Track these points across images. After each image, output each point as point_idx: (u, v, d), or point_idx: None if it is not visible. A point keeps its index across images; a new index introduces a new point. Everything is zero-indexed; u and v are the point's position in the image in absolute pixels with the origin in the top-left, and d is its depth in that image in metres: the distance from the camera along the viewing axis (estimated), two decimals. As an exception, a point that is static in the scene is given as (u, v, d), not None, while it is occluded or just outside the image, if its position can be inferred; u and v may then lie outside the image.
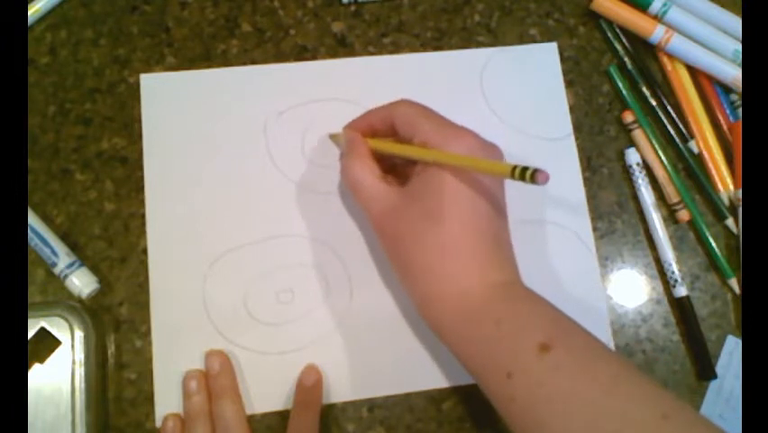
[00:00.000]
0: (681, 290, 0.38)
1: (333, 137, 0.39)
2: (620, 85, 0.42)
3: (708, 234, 0.40)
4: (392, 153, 0.34)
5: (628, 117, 0.41)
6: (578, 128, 0.41)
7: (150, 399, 0.35)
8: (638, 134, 0.41)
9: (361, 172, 0.33)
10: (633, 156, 0.40)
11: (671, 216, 0.41)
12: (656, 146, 0.41)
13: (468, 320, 0.30)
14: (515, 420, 0.28)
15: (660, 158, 0.41)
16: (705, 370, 0.38)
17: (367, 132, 0.35)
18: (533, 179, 0.26)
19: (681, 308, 0.39)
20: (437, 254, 0.30)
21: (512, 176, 0.27)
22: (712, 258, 0.40)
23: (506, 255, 0.32)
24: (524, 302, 0.30)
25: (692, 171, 0.41)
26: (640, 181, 0.40)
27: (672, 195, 0.40)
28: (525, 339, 0.28)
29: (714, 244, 0.40)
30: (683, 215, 0.40)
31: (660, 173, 0.40)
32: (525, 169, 0.27)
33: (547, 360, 0.27)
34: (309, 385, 0.35)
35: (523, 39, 0.43)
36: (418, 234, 0.30)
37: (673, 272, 0.39)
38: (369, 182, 0.33)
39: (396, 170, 0.35)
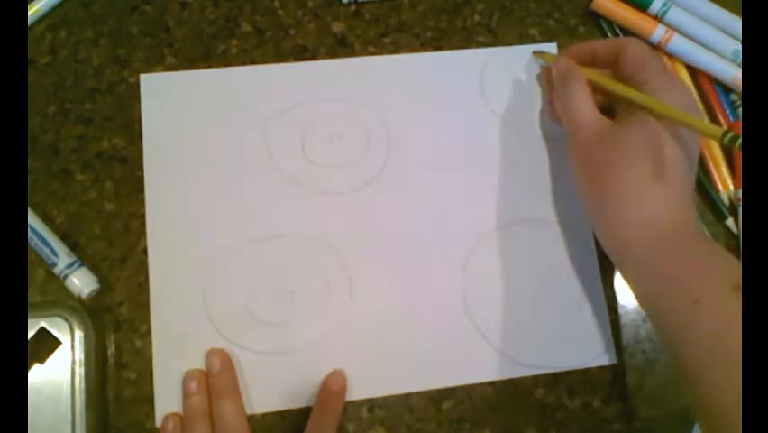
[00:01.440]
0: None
1: (537, 54, 0.42)
2: None
3: (707, 234, 0.40)
4: (608, 89, 0.35)
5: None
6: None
7: (150, 399, 0.35)
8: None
9: (579, 98, 0.35)
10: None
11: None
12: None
13: (659, 248, 0.31)
14: (696, 348, 0.28)
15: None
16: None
17: (585, 60, 0.37)
18: (738, 148, 0.29)
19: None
20: (641, 184, 0.32)
21: (721, 141, 0.29)
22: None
23: (693, 202, 0.33)
24: (714, 245, 0.32)
25: (692, 171, 0.41)
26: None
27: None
28: (718, 274, 0.29)
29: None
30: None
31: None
32: (734, 137, 0.29)
33: (738, 300, 0.27)
34: (334, 390, 0.35)
35: (523, 39, 0.43)
36: (629, 162, 0.32)
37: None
38: (585, 108, 0.35)
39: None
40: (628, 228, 0.32)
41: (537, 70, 0.42)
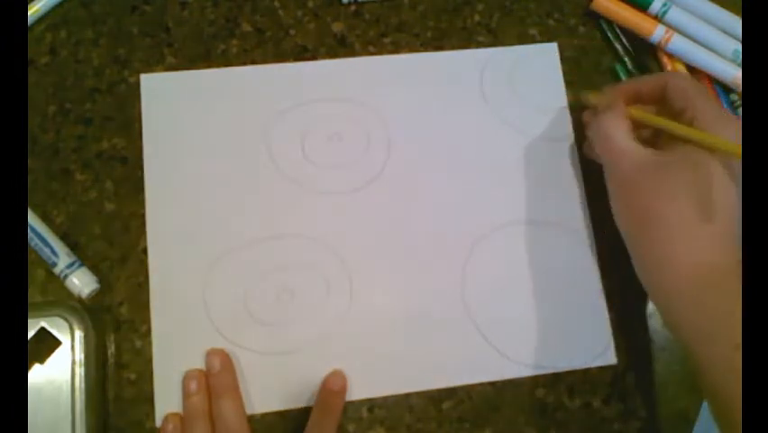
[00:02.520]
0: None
1: (582, 95, 0.39)
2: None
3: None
4: (655, 125, 0.34)
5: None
6: (578, 128, 0.41)
7: (150, 399, 0.35)
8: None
9: (615, 128, 0.33)
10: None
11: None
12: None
13: (702, 289, 0.30)
14: (733, 392, 0.28)
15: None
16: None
17: (630, 97, 0.36)
18: None
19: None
20: (687, 222, 0.30)
21: None
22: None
23: (740, 240, 0.32)
24: None
25: (692, 171, 0.41)
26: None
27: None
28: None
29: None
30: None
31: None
32: None
33: None
34: (334, 390, 0.35)
35: (523, 39, 0.43)
36: (676, 199, 0.31)
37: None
38: (622, 138, 0.33)
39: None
40: (670, 267, 0.31)
41: (537, 70, 0.42)
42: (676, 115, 0.33)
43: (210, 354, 0.35)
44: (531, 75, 0.42)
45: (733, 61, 0.41)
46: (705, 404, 0.38)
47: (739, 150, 0.30)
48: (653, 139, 0.36)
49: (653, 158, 0.32)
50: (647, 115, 0.35)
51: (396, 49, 0.42)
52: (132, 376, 0.35)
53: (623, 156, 0.33)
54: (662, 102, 0.35)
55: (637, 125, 0.35)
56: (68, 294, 0.35)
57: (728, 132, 0.31)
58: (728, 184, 0.31)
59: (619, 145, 0.33)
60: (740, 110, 0.42)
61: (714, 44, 0.41)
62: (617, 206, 0.34)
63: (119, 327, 0.36)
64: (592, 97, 0.38)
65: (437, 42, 0.42)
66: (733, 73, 0.41)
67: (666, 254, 0.31)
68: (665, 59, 0.42)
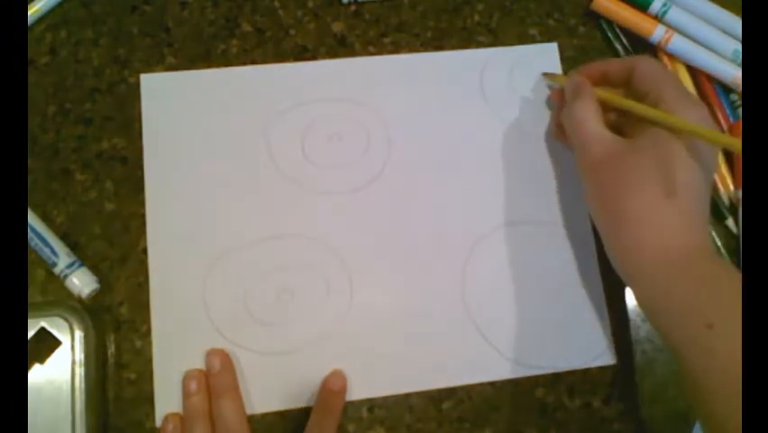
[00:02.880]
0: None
1: (547, 75, 0.41)
2: None
3: (711, 230, 0.40)
4: (621, 106, 0.35)
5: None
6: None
7: (150, 399, 0.35)
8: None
9: (587, 113, 0.34)
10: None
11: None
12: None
13: (672, 272, 0.30)
14: (711, 375, 0.28)
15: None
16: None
17: (597, 79, 0.37)
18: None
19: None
20: (656, 206, 0.31)
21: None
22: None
23: (707, 221, 0.33)
24: (729, 268, 0.31)
25: (692, 171, 0.41)
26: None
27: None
28: (732, 298, 0.28)
29: (718, 242, 0.40)
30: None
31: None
32: None
33: None
34: (334, 390, 0.35)
35: (523, 39, 0.43)
36: (641, 183, 0.31)
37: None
38: (593, 124, 0.34)
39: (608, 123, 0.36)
40: (639, 250, 0.31)
41: (537, 70, 0.42)
42: (642, 98, 0.34)
43: (210, 353, 0.35)
44: (531, 75, 0.42)
45: (733, 61, 0.41)
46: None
47: (699, 129, 0.31)
48: (620, 122, 0.37)
49: (622, 143, 0.33)
50: (614, 97, 0.35)
51: (396, 49, 0.42)
52: (132, 376, 0.35)
53: (593, 141, 0.34)
54: (628, 85, 0.36)
55: (604, 108, 0.35)
56: (68, 294, 0.35)
57: (692, 113, 0.32)
58: (691, 163, 0.31)
59: (590, 130, 0.34)
60: (740, 110, 0.42)
61: (714, 44, 0.41)
62: (588, 192, 0.35)
63: (119, 327, 0.36)
64: (559, 79, 0.40)
65: (437, 42, 0.42)
66: (733, 73, 0.41)
67: (636, 239, 0.31)
68: (665, 59, 0.42)
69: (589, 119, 0.34)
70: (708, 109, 0.33)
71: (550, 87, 0.41)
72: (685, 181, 0.31)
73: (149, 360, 0.35)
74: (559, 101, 0.39)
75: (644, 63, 0.35)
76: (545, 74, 0.41)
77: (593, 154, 0.33)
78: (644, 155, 0.32)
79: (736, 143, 0.30)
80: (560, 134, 0.39)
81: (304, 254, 0.38)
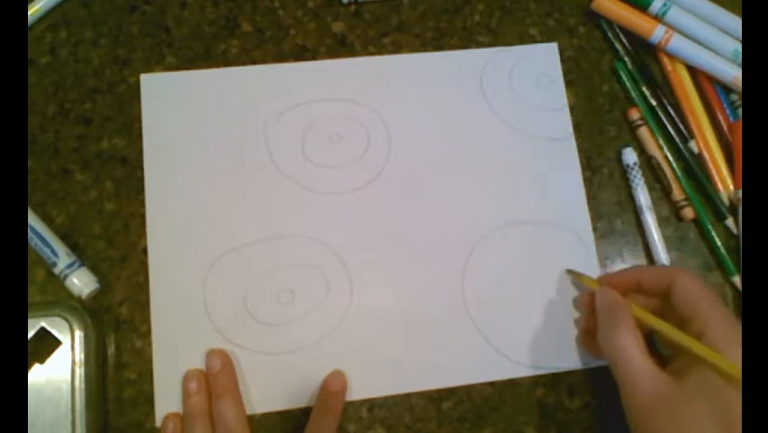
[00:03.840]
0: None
1: (571, 273, 0.38)
2: (627, 83, 0.42)
3: (711, 230, 0.40)
4: (665, 335, 0.31)
5: (634, 114, 0.41)
6: (578, 128, 0.41)
7: (150, 399, 0.35)
8: (644, 131, 0.41)
9: (629, 347, 0.31)
10: (629, 156, 0.40)
11: (674, 214, 0.41)
12: (662, 143, 0.41)
13: None
14: None
15: (665, 155, 0.41)
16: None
17: (629, 288, 0.34)
18: None
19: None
20: None
21: None
22: (715, 255, 0.40)
23: None
24: None
25: (692, 171, 0.41)
26: (636, 182, 0.40)
27: (678, 192, 0.40)
28: None
29: (718, 241, 0.40)
30: (688, 212, 0.40)
31: (666, 170, 0.40)
32: None
33: None
34: (334, 391, 0.35)
35: (523, 39, 0.43)
36: (693, 430, 0.28)
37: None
38: (638, 360, 0.30)
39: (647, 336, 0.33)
40: None
41: (537, 70, 0.42)
42: (682, 321, 0.31)
43: (210, 354, 0.35)
44: (531, 75, 0.42)
45: (733, 61, 0.41)
46: None
47: None
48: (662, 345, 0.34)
49: (671, 386, 0.29)
50: (654, 320, 0.32)
51: (396, 49, 0.42)
52: (132, 376, 0.35)
53: (640, 380, 0.30)
54: (666, 298, 0.33)
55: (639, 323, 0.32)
56: (68, 294, 0.35)
57: (740, 351, 0.28)
58: None
59: (635, 366, 0.30)
60: (740, 110, 0.42)
61: (714, 44, 0.41)
62: (635, 429, 0.31)
63: (119, 327, 0.36)
64: (586, 281, 0.37)
65: (437, 42, 0.42)
66: (733, 73, 0.41)
67: None
68: (665, 59, 0.42)
69: (632, 351, 0.30)
70: None
71: (574, 284, 0.38)
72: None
73: (149, 360, 0.35)
74: (587, 308, 0.36)
75: (684, 280, 0.32)
76: (569, 271, 0.38)
77: (641, 394, 0.30)
78: (700, 403, 0.28)
79: None
80: (588, 343, 0.37)
81: (304, 254, 0.38)
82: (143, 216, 0.37)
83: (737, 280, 0.39)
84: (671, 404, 0.29)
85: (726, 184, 0.41)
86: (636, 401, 0.30)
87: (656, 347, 0.35)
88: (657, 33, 0.41)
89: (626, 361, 0.31)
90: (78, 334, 0.33)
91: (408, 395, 0.36)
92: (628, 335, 0.31)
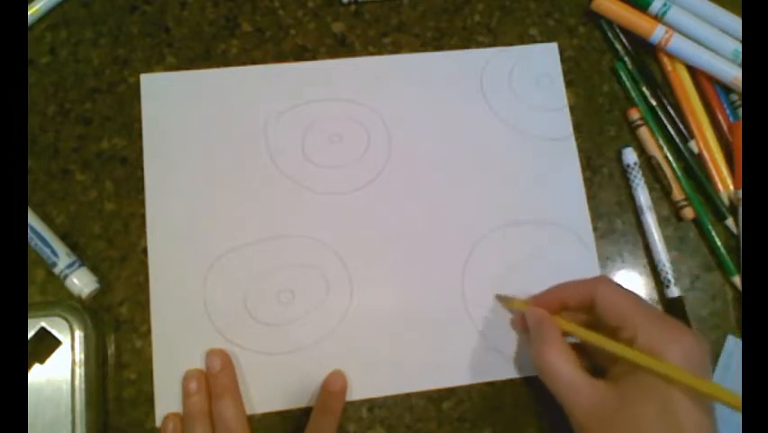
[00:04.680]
0: (674, 291, 0.38)
1: (501, 299, 0.38)
2: (627, 83, 0.42)
3: (711, 229, 0.40)
4: (592, 344, 0.31)
5: (634, 114, 0.41)
6: (578, 128, 0.41)
7: (150, 399, 0.35)
8: (644, 131, 0.41)
9: (557, 361, 0.31)
10: (629, 156, 0.40)
11: (674, 214, 0.41)
12: (662, 143, 0.41)
13: None
14: None
15: (665, 155, 0.41)
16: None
17: (555, 307, 0.34)
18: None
19: (674, 310, 0.39)
20: None
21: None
22: (715, 255, 0.40)
23: None
24: None
25: (692, 171, 0.41)
26: (637, 182, 0.40)
27: (678, 192, 0.40)
28: None
29: (718, 241, 0.40)
30: (688, 212, 0.40)
31: (666, 170, 0.40)
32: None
33: None
34: (334, 391, 0.35)
35: (523, 39, 0.43)
36: None
37: (667, 273, 0.39)
38: (569, 373, 0.30)
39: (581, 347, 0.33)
40: None
41: (537, 70, 0.42)
42: (611, 331, 0.31)
43: (210, 354, 0.35)
44: (531, 75, 0.42)
45: (733, 61, 0.41)
46: (728, 339, 0.38)
47: (695, 382, 0.27)
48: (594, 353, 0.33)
49: (609, 393, 0.29)
50: (582, 332, 0.32)
51: (396, 49, 0.42)
52: (132, 376, 0.35)
53: (576, 394, 0.30)
54: (591, 312, 0.33)
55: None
56: (68, 294, 0.35)
57: (675, 350, 0.28)
58: (692, 407, 0.28)
59: (569, 382, 0.30)
60: (740, 110, 0.42)
61: (714, 44, 0.41)
62: None
63: (119, 327, 0.36)
64: (516, 304, 0.36)
65: (437, 42, 0.42)
66: (733, 73, 0.41)
67: None
68: (665, 59, 0.42)
69: (560, 364, 0.30)
70: (690, 336, 0.29)
71: (508, 309, 0.38)
72: (693, 428, 0.27)
73: (149, 360, 0.35)
74: (523, 329, 0.36)
75: (603, 291, 0.32)
76: (498, 296, 0.38)
77: (579, 408, 0.30)
78: (641, 407, 0.28)
79: (736, 401, 0.26)
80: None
81: (304, 254, 0.38)
82: (143, 216, 0.37)
83: (737, 280, 0.39)
84: (612, 412, 0.29)
85: (726, 184, 0.41)
86: (575, 414, 0.30)
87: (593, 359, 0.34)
88: (657, 33, 0.41)
89: (556, 374, 0.31)
90: (78, 334, 0.33)
91: (408, 395, 0.36)
92: (553, 348, 0.31)
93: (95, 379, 0.33)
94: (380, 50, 0.41)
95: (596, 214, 0.40)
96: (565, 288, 0.35)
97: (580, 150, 0.41)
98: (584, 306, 0.33)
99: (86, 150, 0.38)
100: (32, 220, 0.36)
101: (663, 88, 0.42)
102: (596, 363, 0.33)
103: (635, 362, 0.29)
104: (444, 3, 0.43)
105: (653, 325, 0.30)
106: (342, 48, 0.41)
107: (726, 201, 0.41)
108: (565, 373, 0.30)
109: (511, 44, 0.42)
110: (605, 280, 0.33)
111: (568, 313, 0.34)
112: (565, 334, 0.32)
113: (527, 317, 0.34)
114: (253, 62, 0.40)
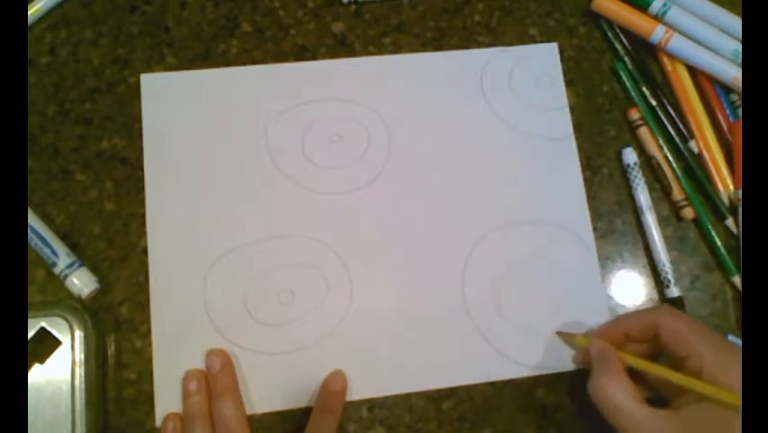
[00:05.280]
0: (674, 291, 0.38)
1: (562, 335, 0.37)
2: (627, 83, 0.42)
3: (711, 229, 0.40)
4: (658, 376, 0.31)
5: (634, 114, 0.41)
6: (578, 128, 0.41)
7: (150, 399, 0.35)
8: (644, 131, 0.41)
9: (618, 394, 0.30)
10: (629, 156, 0.40)
11: (674, 214, 0.41)
12: (662, 143, 0.41)
13: None
14: None
15: (665, 155, 0.41)
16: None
17: (618, 339, 0.34)
18: None
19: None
20: None
21: None
22: (715, 255, 0.40)
23: None
24: None
25: (692, 171, 0.41)
26: (637, 182, 0.40)
27: (678, 192, 0.40)
28: None
29: (718, 241, 0.40)
30: (688, 212, 0.40)
31: (666, 170, 0.40)
32: None
33: None
34: (334, 391, 0.35)
35: (523, 39, 0.43)
36: None
37: (667, 273, 0.39)
38: (629, 406, 0.30)
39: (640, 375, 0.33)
40: None
41: (537, 70, 0.42)
42: (677, 361, 0.31)
43: (210, 353, 0.35)
44: (531, 75, 0.42)
45: (733, 61, 0.41)
46: (728, 339, 0.38)
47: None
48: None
49: (673, 425, 0.29)
50: (646, 364, 0.32)
51: (396, 49, 0.42)
52: (132, 376, 0.35)
53: (635, 427, 0.29)
54: (655, 342, 0.33)
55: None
56: (68, 294, 0.35)
57: (739, 378, 0.28)
58: None
59: (628, 414, 0.30)
60: (740, 110, 0.42)
61: (714, 44, 0.41)
62: None
63: (119, 327, 0.36)
64: (579, 341, 0.36)
65: (437, 42, 0.42)
66: (733, 73, 0.41)
67: None
68: (665, 59, 0.42)
69: (620, 398, 0.30)
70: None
71: (568, 344, 0.37)
72: None
73: (149, 360, 0.35)
74: (585, 365, 0.36)
75: (666, 320, 0.32)
76: (559, 333, 0.37)
77: None
78: None
79: None
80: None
81: (304, 254, 0.38)
82: (143, 216, 0.37)
83: (737, 280, 0.39)
84: None
85: (726, 184, 0.41)
86: None
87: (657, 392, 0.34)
88: (657, 33, 0.41)
89: (616, 407, 0.30)
90: (78, 334, 0.33)
91: (408, 395, 0.36)
92: (613, 381, 0.31)
93: (95, 379, 0.33)
94: (380, 50, 0.41)
95: (596, 214, 0.40)
96: (627, 319, 0.35)
97: (580, 150, 0.41)
98: (647, 336, 0.33)
99: (86, 150, 0.38)
100: (32, 220, 0.36)
101: (663, 88, 0.42)
102: (660, 394, 0.33)
103: (701, 393, 0.29)
104: (444, 3, 0.43)
105: (720, 353, 0.29)
106: (342, 48, 0.41)
107: (726, 201, 0.41)
108: (625, 405, 0.30)
109: (511, 44, 0.42)
110: (668, 309, 0.33)
111: (631, 345, 0.34)
112: (629, 367, 0.32)
113: (591, 351, 0.34)
114: (253, 62, 0.40)
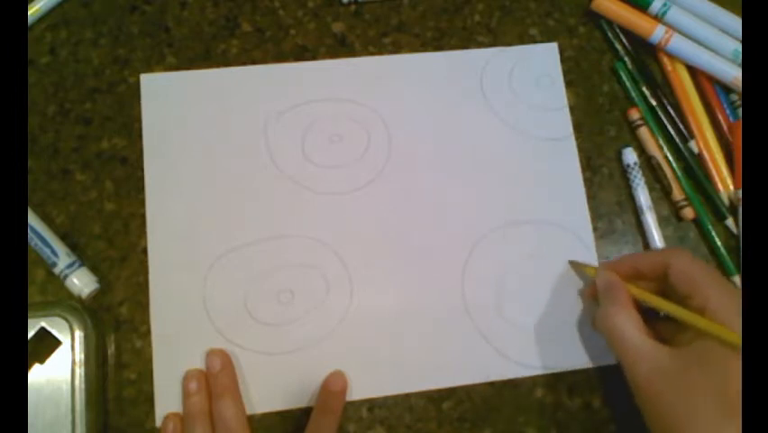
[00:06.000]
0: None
1: (573, 264, 0.38)
2: (627, 83, 0.42)
3: (711, 229, 0.40)
4: (662, 310, 0.32)
5: (634, 114, 0.41)
6: (578, 128, 0.41)
7: (150, 399, 0.35)
8: (644, 131, 0.41)
9: (625, 324, 0.31)
10: (629, 156, 0.40)
11: (674, 214, 0.41)
12: (662, 143, 0.41)
13: None
14: None
15: (665, 155, 0.41)
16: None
17: (629, 275, 0.34)
18: None
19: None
20: (713, 425, 0.28)
21: None
22: (715, 255, 0.40)
23: None
24: None
25: (692, 171, 0.41)
26: (637, 182, 0.40)
27: (678, 192, 0.40)
28: None
29: (718, 241, 0.40)
30: (688, 212, 0.40)
31: (666, 170, 0.40)
32: None
33: None
34: (334, 391, 0.35)
35: (523, 39, 0.43)
36: (697, 407, 0.28)
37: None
38: (635, 338, 0.31)
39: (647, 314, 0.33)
40: None
41: (537, 70, 0.42)
42: (682, 299, 0.32)
43: (210, 353, 0.35)
44: (531, 75, 0.42)
45: (733, 61, 0.41)
46: None
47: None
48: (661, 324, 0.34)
49: (671, 360, 0.30)
50: (653, 298, 0.33)
51: (396, 49, 0.42)
52: (132, 376, 0.35)
53: (640, 358, 0.31)
54: (664, 281, 0.33)
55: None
56: (68, 294, 0.35)
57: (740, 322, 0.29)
58: None
59: (634, 346, 0.31)
60: (740, 110, 0.42)
61: (714, 44, 0.41)
62: (643, 410, 0.32)
63: (119, 327, 0.36)
64: (590, 271, 0.37)
65: (437, 42, 0.42)
66: (733, 73, 0.41)
67: None
68: (665, 59, 0.42)
69: (627, 329, 0.31)
70: None
71: (579, 275, 0.38)
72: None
73: (149, 360, 0.35)
74: (592, 297, 0.37)
75: (679, 260, 0.32)
76: (572, 262, 0.38)
77: (640, 372, 0.31)
78: (699, 373, 0.29)
79: None
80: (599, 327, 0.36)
81: (304, 254, 0.38)
82: (143, 216, 0.37)
83: (737, 280, 0.39)
84: (670, 377, 0.29)
85: (726, 184, 0.41)
86: (637, 377, 0.31)
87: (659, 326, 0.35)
88: (657, 33, 0.41)
89: (621, 337, 0.31)
90: (78, 334, 0.33)
91: (408, 395, 0.36)
92: (622, 312, 0.32)
93: (95, 379, 0.34)
94: (380, 50, 0.41)
95: (596, 214, 0.40)
96: (639, 256, 0.35)
97: (580, 150, 0.41)
98: (657, 274, 0.34)
99: (86, 150, 0.38)
100: (32, 220, 0.36)
101: (663, 88, 0.42)
102: (662, 336, 0.33)
103: (702, 329, 0.29)
104: (444, 3, 0.43)
105: (725, 296, 0.30)
106: (342, 48, 0.41)
107: (726, 201, 0.41)
108: (630, 335, 0.31)
109: (511, 44, 0.42)
110: (682, 251, 0.33)
111: (638, 282, 0.35)
112: (635, 300, 0.33)
113: (597, 281, 0.35)
114: (253, 62, 0.40)
